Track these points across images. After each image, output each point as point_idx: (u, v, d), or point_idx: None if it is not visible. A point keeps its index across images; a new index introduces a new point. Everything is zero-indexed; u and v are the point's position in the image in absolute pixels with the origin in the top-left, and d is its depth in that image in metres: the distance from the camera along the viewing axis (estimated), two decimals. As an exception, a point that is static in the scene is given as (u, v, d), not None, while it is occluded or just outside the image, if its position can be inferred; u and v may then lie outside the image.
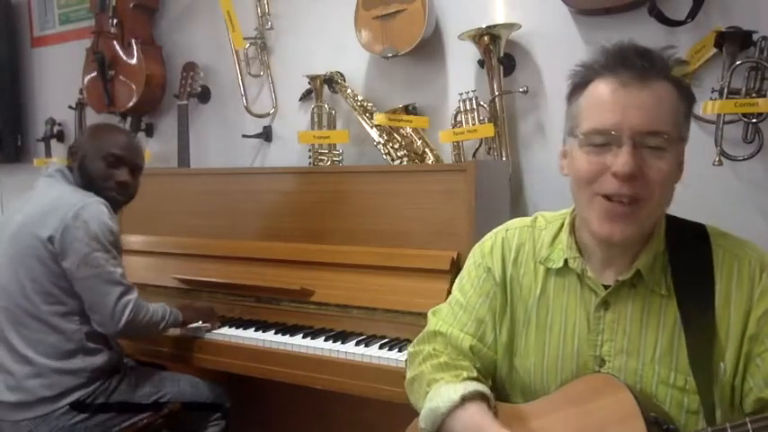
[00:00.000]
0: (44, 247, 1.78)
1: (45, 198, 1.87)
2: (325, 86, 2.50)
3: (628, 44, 0.99)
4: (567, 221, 1.12)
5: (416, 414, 1.19)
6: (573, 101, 1.03)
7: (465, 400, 1.04)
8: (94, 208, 1.82)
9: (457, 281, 1.25)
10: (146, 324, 1.85)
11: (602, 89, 0.97)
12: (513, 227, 1.20)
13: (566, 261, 1.09)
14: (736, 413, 0.98)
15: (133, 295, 1.84)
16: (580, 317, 1.07)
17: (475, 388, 1.05)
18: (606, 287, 1.05)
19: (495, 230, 1.23)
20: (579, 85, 1.02)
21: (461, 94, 2.19)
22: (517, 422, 1.08)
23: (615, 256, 1.04)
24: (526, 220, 1.21)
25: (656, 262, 1.03)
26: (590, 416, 0.98)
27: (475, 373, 1.12)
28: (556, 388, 1.08)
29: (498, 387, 1.20)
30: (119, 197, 1.95)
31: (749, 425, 0.82)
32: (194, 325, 2.05)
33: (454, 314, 1.21)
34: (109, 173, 1.92)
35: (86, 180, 1.92)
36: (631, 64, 0.95)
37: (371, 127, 2.35)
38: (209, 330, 2.04)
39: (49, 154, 3.35)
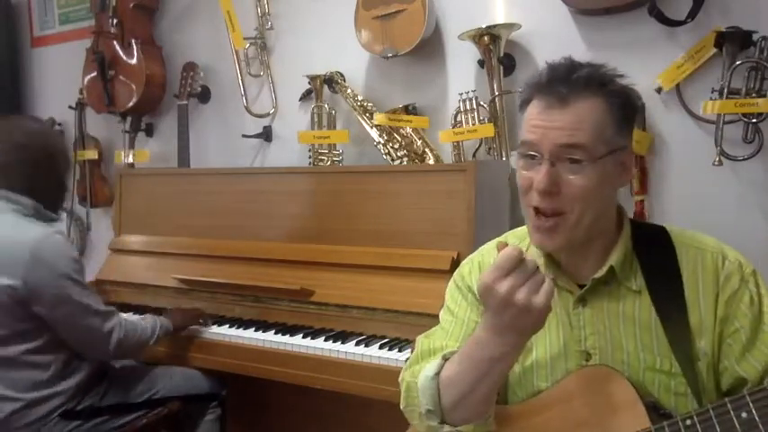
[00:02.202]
0: (6, 294, 1.64)
1: None
2: (326, 86, 2.50)
3: (559, 66, 1.07)
4: None
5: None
6: (521, 114, 1.12)
7: (447, 359, 1.08)
8: (51, 242, 1.69)
9: (441, 311, 1.27)
10: (136, 343, 1.83)
11: (532, 110, 1.06)
12: (487, 250, 1.26)
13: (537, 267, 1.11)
14: (720, 396, 1.03)
15: (115, 319, 1.78)
16: (561, 317, 1.11)
17: (453, 350, 1.09)
18: (581, 286, 1.10)
19: (470, 256, 1.28)
20: (523, 103, 1.11)
21: (461, 94, 2.19)
22: (516, 421, 1.09)
23: (580, 258, 1.10)
24: (497, 240, 1.23)
25: (626, 260, 1.08)
26: (589, 407, 1.00)
27: None
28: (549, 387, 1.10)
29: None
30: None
31: (728, 404, 0.85)
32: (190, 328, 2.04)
33: (446, 330, 1.21)
34: (67, 176, 1.83)
35: (42, 193, 1.77)
36: (554, 88, 1.03)
37: (371, 127, 2.35)
38: (204, 325, 2.04)
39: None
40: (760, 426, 0.81)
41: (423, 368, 1.12)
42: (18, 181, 1.75)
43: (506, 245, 0.96)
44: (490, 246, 1.25)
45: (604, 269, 1.07)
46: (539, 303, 0.92)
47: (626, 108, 1.06)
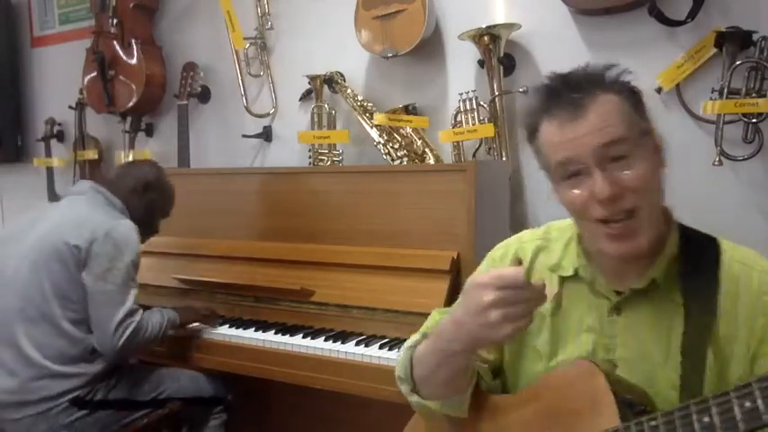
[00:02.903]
0: (70, 252, 1.81)
1: (79, 211, 1.92)
2: (326, 86, 2.50)
3: (555, 78, 1.03)
4: (576, 233, 1.12)
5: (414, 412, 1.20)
6: (533, 145, 1.06)
7: (426, 335, 1.09)
8: (126, 229, 1.89)
9: None
10: (143, 340, 1.86)
11: (547, 133, 1.01)
12: (527, 240, 1.20)
13: (576, 269, 1.10)
14: None
15: (136, 317, 1.84)
16: (593, 322, 1.08)
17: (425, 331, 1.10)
18: (618, 293, 1.06)
19: (507, 241, 1.23)
20: (531, 134, 1.05)
21: (461, 94, 2.19)
22: (494, 413, 1.10)
23: (627, 264, 1.04)
24: (538, 232, 1.21)
25: (669, 271, 1.03)
26: (564, 401, 0.98)
27: None
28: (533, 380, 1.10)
29: (504, 387, 1.20)
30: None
31: (692, 407, 0.83)
32: (193, 325, 2.05)
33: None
34: (158, 224, 2.09)
35: (133, 213, 2.01)
36: (561, 98, 0.99)
37: (371, 127, 2.35)
38: (211, 325, 2.06)
39: (48, 154, 3.34)
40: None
41: None
42: (119, 190, 2.02)
43: (520, 262, 0.96)
44: (529, 236, 1.21)
45: (645, 281, 1.02)
46: (503, 332, 0.91)
47: (633, 93, 1.03)
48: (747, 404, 0.77)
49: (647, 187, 0.98)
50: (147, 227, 2.05)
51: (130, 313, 1.83)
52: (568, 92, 0.99)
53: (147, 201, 2.05)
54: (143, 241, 2.00)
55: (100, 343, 1.82)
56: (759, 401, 0.76)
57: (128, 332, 1.80)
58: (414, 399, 1.11)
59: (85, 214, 1.90)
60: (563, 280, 1.12)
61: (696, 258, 1.03)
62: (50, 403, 1.78)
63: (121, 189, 2.02)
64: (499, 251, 1.22)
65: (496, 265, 1.21)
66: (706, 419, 0.80)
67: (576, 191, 0.99)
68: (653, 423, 0.86)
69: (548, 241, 1.17)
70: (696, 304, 1.00)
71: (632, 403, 0.92)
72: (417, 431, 1.22)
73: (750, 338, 0.98)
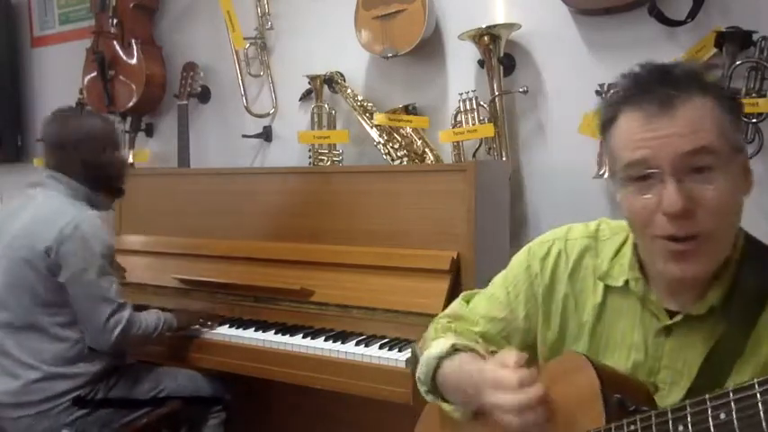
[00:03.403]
0: (41, 258, 1.77)
1: (41, 209, 1.85)
2: (326, 86, 2.50)
3: (649, 68, 0.91)
4: (630, 237, 1.02)
5: (420, 412, 1.20)
6: (606, 140, 0.95)
7: (457, 349, 1.07)
8: (92, 222, 1.82)
9: (501, 273, 1.18)
10: (137, 337, 1.86)
11: (628, 125, 0.90)
12: (574, 237, 1.09)
13: (626, 281, 1.00)
14: None
15: (125, 312, 1.82)
16: (637, 341, 0.99)
17: (467, 344, 1.07)
18: (669, 312, 0.96)
19: (554, 234, 1.11)
20: (607, 123, 0.94)
21: (461, 94, 2.19)
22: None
23: (685, 286, 0.95)
24: (590, 227, 1.10)
25: (731, 293, 0.92)
26: (556, 397, 0.94)
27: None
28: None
29: None
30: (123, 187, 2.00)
31: (669, 414, 0.80)
32: (192, 328, 2.05)
33: (487, 302, 1.16)
34: (122, 162, 1.98)
35: (94, 179, 1.91)
36: (654, 92, 0.87)
37: (371, 127, 2.35)
38: (210, 326, 2.05)
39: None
40: None
41: (443, 332, 1.15)
42: (73, 169, 1.89)
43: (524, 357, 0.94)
44: (577, 232, 1.09)
45: (704, 307, 0.92)
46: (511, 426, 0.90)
47: (734, 106, 0.91)
48: (722, 416, 0.73)
49: (725, 210, 0.87)
50: (117, 191, 2.00)
51: (118, 308, 1.81)
52: (662, 86, 0.87)
53: (100, 165, 1.93)
54: (118, 196, 2.00)
55: (93, 341, 1.82)
56: (734, 415, 0.72)
57: (120, 326, 1.79)
58: (430, 397, 1.12)
59: (49, 212, 1.83)
60: (607, 290, 1.03)
61: (756, 272, 0.92)
62: (52, 403, 1.78)
63: (73, 164, 1.89)
64: (543, 248, 1.10)
65: (537, 264, 1.10)
66: (681, 428, 0.77)
67: (643, 197, 0.88)
68: (632, 427, 0.83)
69: (597, 241, 1.07)
70: (737, 319, 0.91)
71: (624, 402, 0.87)
72: (431, 418, 1.20)
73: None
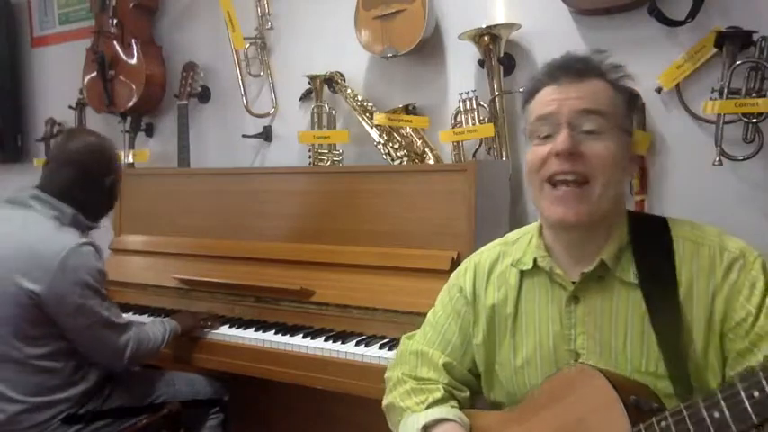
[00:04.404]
0: (27, 297, 1.66)
1: (25, 239, 1.71)
2: (326, 86, 2.50)
3: (569, 56, 1.11)
4: (536, 226, 1.17)
5: None
6: (525, 110, 1.12)
7: (427, 428, 1.11)
8: (80, 253, 1.71)
9: (431, 309, 1.32)
10: (147, 351, 1.85)
11: (545, 92, 1.07)
12: (485, 250, 1.26)
13: (535, 260, 1.13)
14: None
15: (131, 332, 1.80)
16: (553, 314, 1.11)
17: (435, 416, 1.12)
18: (575, 283, 1.08)
19: (470, 256, 1.28)
20: (529, 96, 1.11)
21: (461, 94, 2.19)
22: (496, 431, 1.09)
23: (578, 248, 1.08)
24: (496, 240, 1.26)
25: (620, 253, 1.06)
26: (568, 410, 0.97)
27: (440, 393, 1.18)
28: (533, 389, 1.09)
29: (484, 395, 1.23)
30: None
31: (701, 403, 0.82)
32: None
33: (425, 334, 1.28)
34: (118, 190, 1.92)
35: (91, 203, 1.84)
36: (569, 67, 1.06)
37: (371, 127, 2.35)
38: (212, 327, 2.05)
39: (48, 154, 3.34)
40: (732, 426, 0.78)
41: (404, 389, 1.22)
42: (62, 188, 1.80)
43: None
44: (486, 247, 1.26)
45: (594, 263, 1.05)
46: None
47: (630, 100, 1.09)
48: (756, 394, 0.77)
49: (607, 163, 1.01)
50: (107, 207, 1.94)
51: (122, 330, 1.78)
52: (578, 64, 1.07)
53: (99, 186, 1.86)
54: (99, 218, 1.91)
55: (108, 366, 1.81)
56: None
57: (129, 348, 1.78)
58: None
59: (34, 243, 1.70)
60: (522, 275, 1.16)
61: (647, 240, 1.06)
62: (41, 427, 1.72)
63: (62, 184, 1.80)
64: (462, 266, 1.28)
65: (459, 279, 1.26)
66: (717, 415, 0.80)
67: (539, 147, 1.05)
68: (663, 424, 0.85)
69: (508, 245, 1.22)
70: (654, 286, 1.02)
71: (639, 403, 0.91)
72: None
73: (709, 316, 0.99)
